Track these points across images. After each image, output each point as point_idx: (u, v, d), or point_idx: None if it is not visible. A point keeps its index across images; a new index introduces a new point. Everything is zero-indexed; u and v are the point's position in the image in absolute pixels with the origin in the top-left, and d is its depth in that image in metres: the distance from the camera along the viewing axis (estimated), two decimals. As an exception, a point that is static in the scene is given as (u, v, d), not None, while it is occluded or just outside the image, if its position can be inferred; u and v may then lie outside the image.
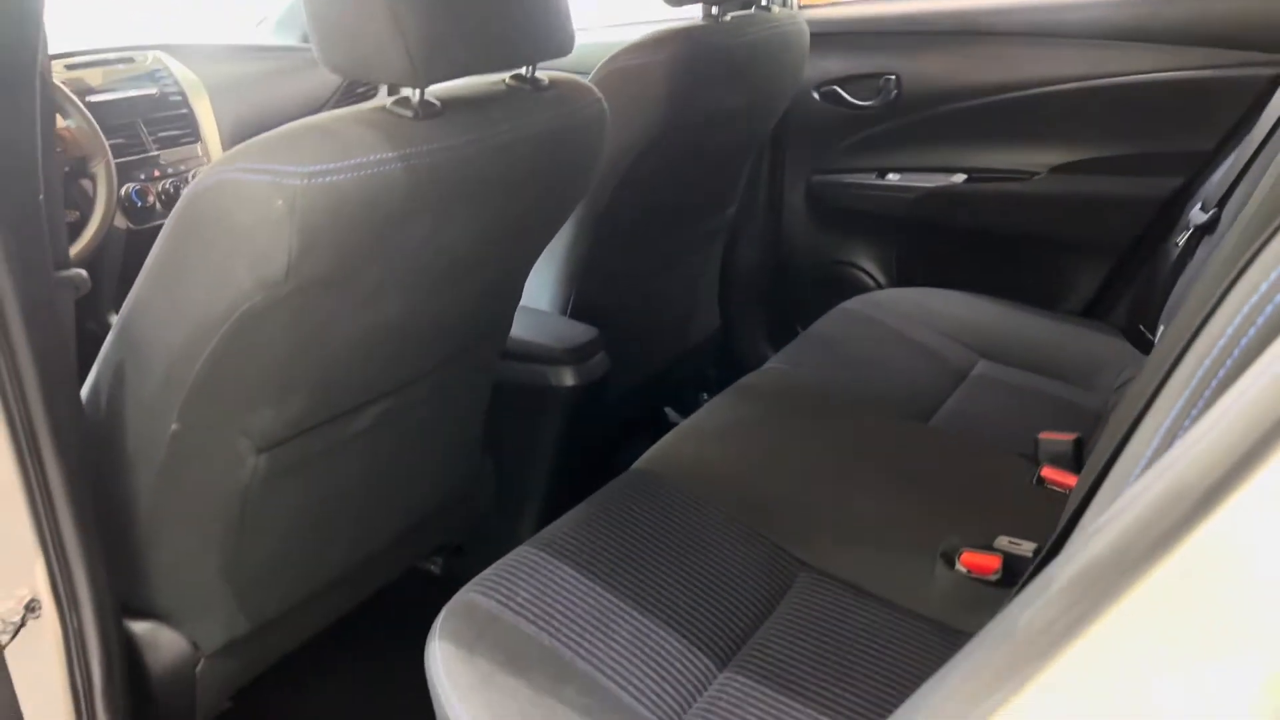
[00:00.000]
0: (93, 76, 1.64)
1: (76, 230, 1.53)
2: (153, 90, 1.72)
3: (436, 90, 0.94)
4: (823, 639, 1.02)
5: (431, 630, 0.99)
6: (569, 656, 0.96)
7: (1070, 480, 1.24)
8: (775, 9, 1.66)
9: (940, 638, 1.03)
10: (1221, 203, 1.46)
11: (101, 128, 1.57)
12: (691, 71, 1.48)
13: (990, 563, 1.10)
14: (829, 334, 1.67)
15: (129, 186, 1.63)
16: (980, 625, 1.09)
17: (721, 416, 1.41)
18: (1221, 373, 0.49)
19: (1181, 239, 1.54)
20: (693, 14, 1.59)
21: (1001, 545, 1.12)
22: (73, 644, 0.95)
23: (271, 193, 0.81)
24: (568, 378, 1.46)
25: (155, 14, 2.23)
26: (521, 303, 1.31)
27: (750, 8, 1.61)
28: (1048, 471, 1.27)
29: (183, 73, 1.77)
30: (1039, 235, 1.87)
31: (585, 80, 1.16)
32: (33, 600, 0.92)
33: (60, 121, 1.51)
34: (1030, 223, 1.86)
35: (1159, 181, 1.72)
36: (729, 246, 2.02)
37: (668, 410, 2.11)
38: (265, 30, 2.18)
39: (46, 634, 0.94)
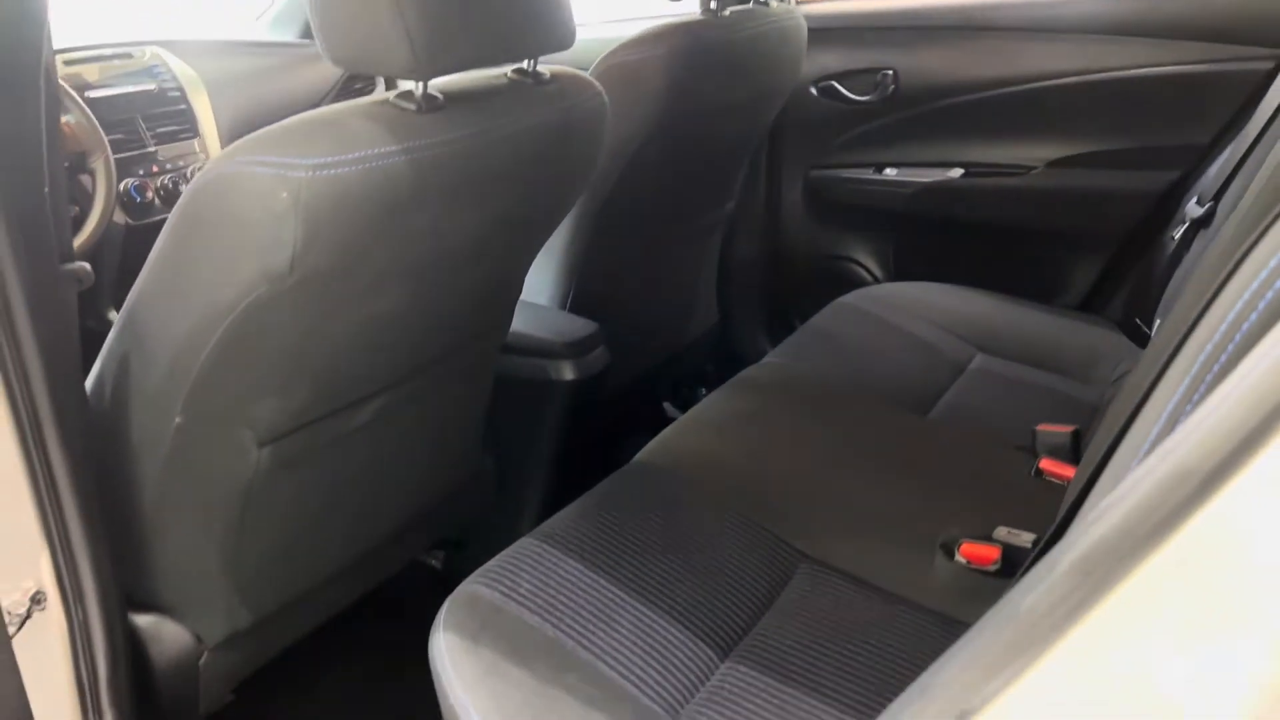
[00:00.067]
0: (91, 72, 1.65)
1: (75, 226, 1.53)
2: (151, 86, 1.73)
3: (439, 84, 0.94)
4: (823, 629, 1.03)
5: (435, 622, 0.99)
6: (572, 646, 0.96)
7: (1068, 472, 1.25)
8: (773, 4, 1.66)
9: (940, 628, 1.04)
10: (1217, 196, 1.46)
11: (100, 123, 1.57)
12: (690, 66, 1.49)
13: (989, 553, 1.10)
14: (827, 328, 1.67)
15: (128, 182, 1.63)
16: (980, 615, 1.10)
17: (721, 409, 1.42)
18: (1223, 358, 0.49)
19: (1178, 233, 1.55)
20: (691, 9, 1.60)
21: (1000, 536, 1.13)
22: (78, 637, 0.96)
23: (276, 185, 0.82)
24: (568, 372, 1.46)
25: (153, 10, 2.23)
26: (521, 297, 1.32)
27: (748, 2, 1.62)
28: (1046, 463, 1.28)
29: (181, 68, 1.77)
30: (1036, 229, 1.88)
31: (580, 71, 1.17)
32: (38, 593, 0.92)
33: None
34: (1027, 217, 1.87)
35: (1155, 176, 1.72)
36: (727, 241, 2.03)
37: (666, 405, 2.11)
38: (262, 26, 2.18)
39: (52, 626, 0.94)
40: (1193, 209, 1.53)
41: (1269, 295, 0.47)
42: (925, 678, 0.55)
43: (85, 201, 1.55)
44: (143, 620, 1.09)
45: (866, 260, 2.08)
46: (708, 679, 0.97)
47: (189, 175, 1.72)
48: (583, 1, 1.09)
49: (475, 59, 0.93)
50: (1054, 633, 0.41)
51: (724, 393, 1.46)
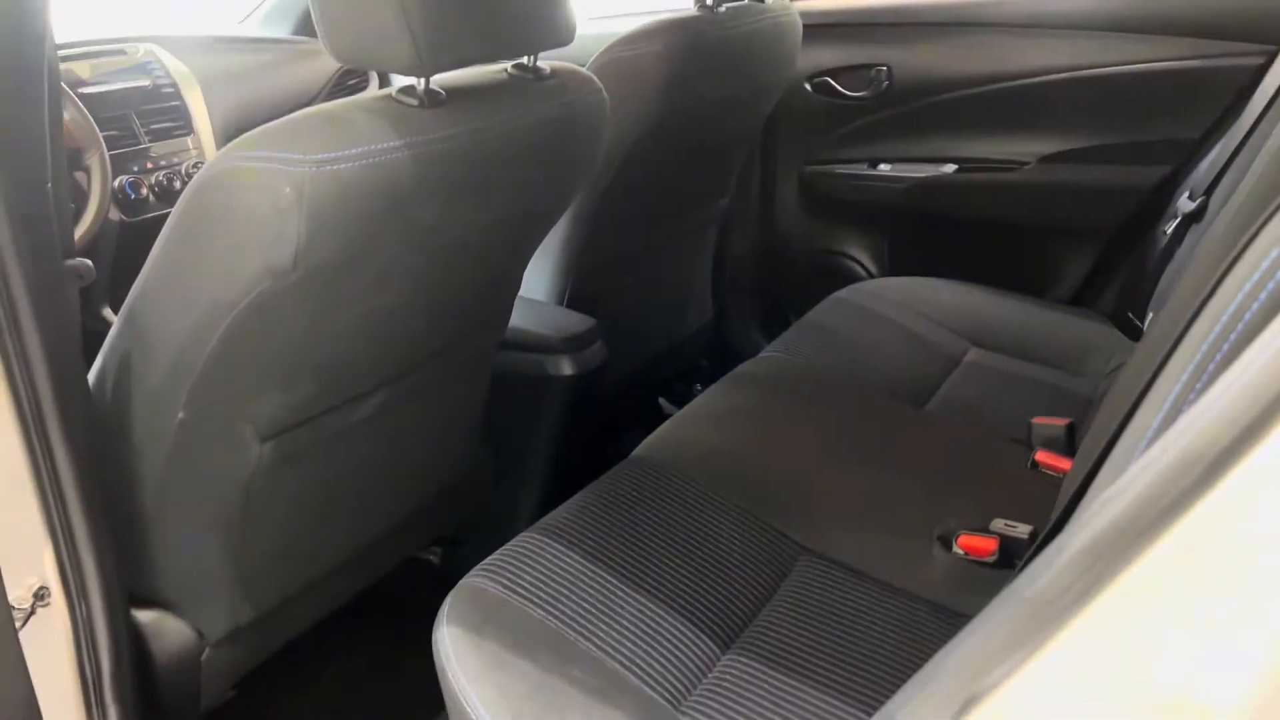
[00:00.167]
0: (85, 69, 1.64)
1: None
2: (145, 82, 1.72)
3: (440, 79, 0.94)
4: (823, 621, 1.04)
5: (439, 616, 1.00)
6: (574, 639, 0.97)
7: (1064, 464, 1.26)
8: (768, 0, 1.67)
9: (939, 619, 1.05)
10: (1209, 191, 1.48)
11: (94, 120, 1.57)
12: (686, 62, 1.49)
13: (987, 545, 1.11)
14: (823, 323, 1.68)
15: (122, 179, 1.63)
16: (978, 607, 1.10)
17: (719, 403, 1.42)
18: (1225, 348, 0.50)
19: (1169, 227, 1.56)
20: (687, 4, 1.60)
21: (997, 528, 1.14)
22: (82, 632, 0.96)
23: (280, 180, 0.82)
24: (565, 367, 1.47)
25: (145, 6, 2.22)
26: (519, 293, 1.32)
27: (743, -1, 1.62)
28: (1041, 455, 1.29)
29: (174, 65, 1.77)
30: (1029, 224, 1.89)
31: (579, 67, 1.17)
32: (42, 588, 0.93)
33: (55, 114, 1.50)
34: (1020, 212, 1.88)
35: (1147, 170, 1.74)
36: (722, 236, 2.04)
37: (661, 400, 2.12)
38: (254, 23, 2.17)
39: (55, 622, 0.94)
40: (1184, 204, 1.54)
41: (1270, 285, 0.48)
42: (932, 664, 0.56)
43: (80, 199, 1.55)
44: (144, 616, 1.09)
45: (861, 255, 2.09)
46: (709, 671, 0.98)
47: (184, 172, 1.72)
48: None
49: (477, 55, 0.94)
50: (1060, 619, 0.42)
51: (721, 387, 1.47)
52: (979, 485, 1.25)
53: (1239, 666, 0.36)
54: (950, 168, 1.91)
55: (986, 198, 1.89)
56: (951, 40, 1.86)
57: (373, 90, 2.14)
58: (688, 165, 1.69)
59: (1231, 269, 0.55)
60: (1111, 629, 0.40)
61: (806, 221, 2.10)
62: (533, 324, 1.49)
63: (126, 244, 1.62)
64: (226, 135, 1.83)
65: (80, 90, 1.59)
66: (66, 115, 1.52)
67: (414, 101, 0.91)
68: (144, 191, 1.65)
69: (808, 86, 1.98)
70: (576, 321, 1.52)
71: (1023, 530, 1.13)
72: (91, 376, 1.02)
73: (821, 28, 1.92)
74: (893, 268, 2.05)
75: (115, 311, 1.50)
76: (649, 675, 0.95)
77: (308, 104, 2.04)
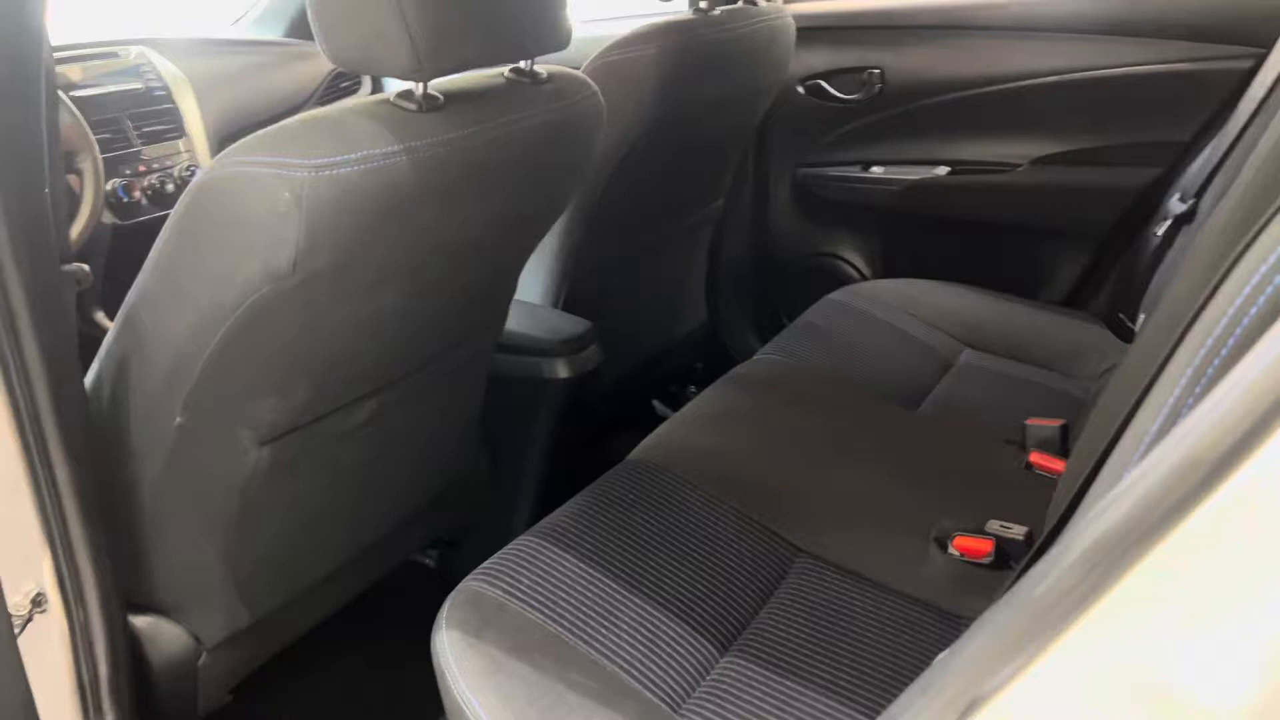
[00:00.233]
0: (76, 71, 1.64)
1: (64, 226, 1.52)
2: (137, 85, 1.72)
3: (437, 83, 0.95)
4: (821, 623, 1.04)
5: (437, 620, 1.00)
6: (573, 642, 0.97)
7: (1058, 465, 1.27)
8: (762, 3, 1.67)
9: (935, 620, 1.05)
10: (1200, 193, 1.49)
11: (86, 123, 1.56)
12: (681, 65, 1.49)
13: (983, 546, 1.12)
14: (817, 325, 1.69)
15: (115, 182, 1.62)
16: (974, 607, 1.12)
17: (715, 405, 1.43)
18: (1224, 351, 0.51)
19: (1161, 229, 1.57)
20: (681, 8, 1.60)
21: (993, 529, 1.14)
22: (79, 639, 0.95)
23: (279, 185, 0.82)
24: (561, 370, 1.47)
25: (136, 9, 2.21)
26: (514, 295, 1.32)
27: (738, 1, 1.63)
28: (1035, 457, 1.29)
29: (166, 67, 1.77)
30: (1021, 226, 1.90)
31: (575, 71, 1.18)
32: (39, 595, 0.92)
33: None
34: (1012, 214, 1.89)
35: (1138, 172, 1.75)
36: (715, 239, 2.04)
37: (655, 403, 2.12)
38: (245, 25, 2.17)
39: (53, 629, 0.94)
40: (1175, 205, 1.55)
41: (1269, 290, 0.49)
42: (935, 667, 0.57)
43: (72, 202, 1.54)
44: (141, 621, 1.09)
45: (854, 257, 2.09)
46: (708, 673, 0.98)
47: (176, 175, 1.71)
48: (575, 1, 1.10)
49: (475, 59, 0.94)
50: (1064, 620, 0.42)
51: (717, 389, 1.47)
52: (974, 486, 1.26)
53: (1241, 669, 0.37)
54: (943, 170, 1.92)
55: (979, 200, 1.90)
56: (943, 43, 1.87)
57: (365, 93, 2.14)
58: (682, 168, 1.70)
59: (1229, 273, 0.55)
60: (1114, 632, 0.41)
61: (800, 224, 2.11)
62: (528, 327, 1.49)
63: (119, 247, 1.61)
64: (219, 138, 1.82)
65: (72, 93, 1.59)
66: (62, 119, 1.51)
67: (412, 106, 0.91)
68: (136, 195, 1.65)
69: (800, 89, 1.99)
70: (572, 324, 1.52)
71: (1018, 531, 1.13)
72: (88, 381, 1.02)
73: (814, 30, 1.93)
74: (885, 270, 2.06)
75: (108, 315, 1.49)
76: (648, 678, 0.95)
77: (300, 106, 2.04)
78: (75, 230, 1.53)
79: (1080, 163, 1.80)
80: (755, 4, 1.65)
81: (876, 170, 1.98)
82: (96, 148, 1.56)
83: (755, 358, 1.58)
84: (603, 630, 0.99)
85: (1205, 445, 0.39)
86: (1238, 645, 0.37)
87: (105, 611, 0.97)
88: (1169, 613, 0.39)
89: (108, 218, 1.61)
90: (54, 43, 1.64)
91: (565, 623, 0.99)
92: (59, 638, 0.95)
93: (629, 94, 1.46)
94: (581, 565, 1.07)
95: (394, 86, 0.93)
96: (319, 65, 2.06)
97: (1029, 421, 1.36)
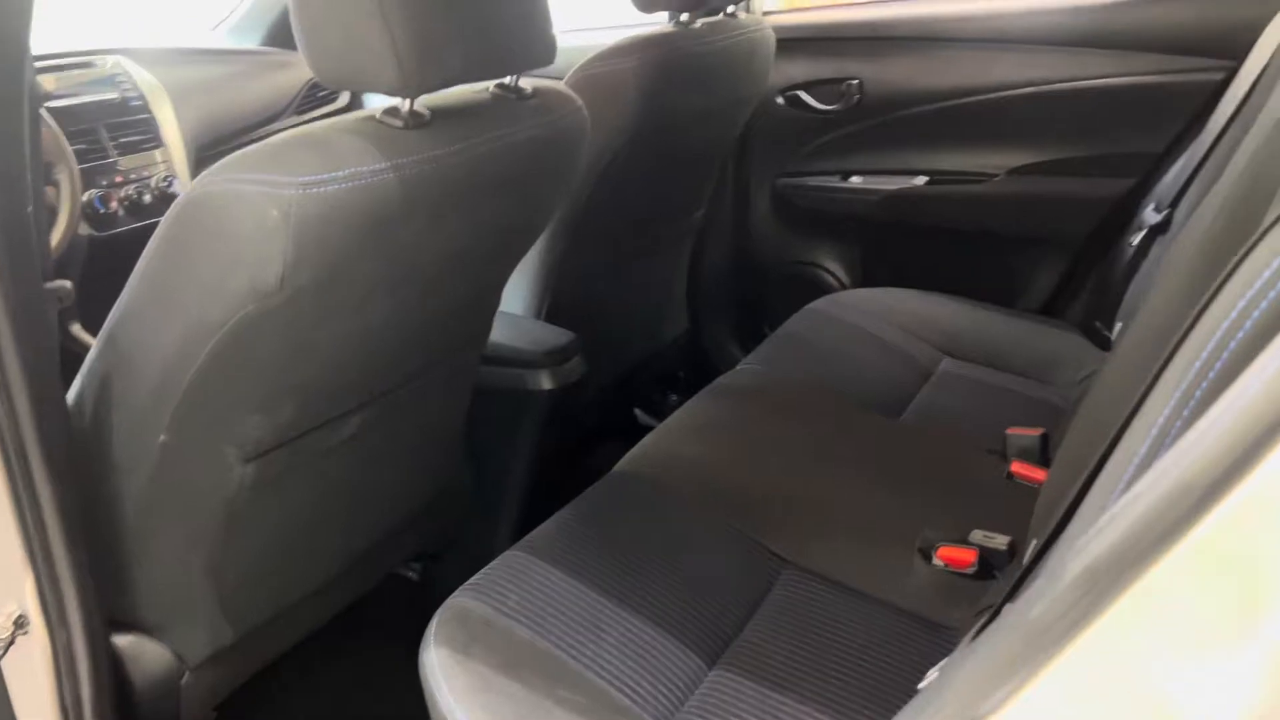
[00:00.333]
0: (51, 81, 1.62)
1: (40, 239, 1.50)
2: (113, 95, 1.70)
3: (423, 99, 0.95)
4: (808, 634, 1.05)
5: (425, 637, 0.99)
6: (562, 658, 0.97)
7: (1039, 475, 1.28)
8: (742, 15, 1.68)
9: (921, 630, 1.06)
10: (1174, 203, 1.51)
11: (62, 134, 1.55)
12: (661, 78, 1.50)
13: (966, 556, 1.13)
14: (799, 334, 1.70)
15: (91, 193, 1.60)
16: (959, 618, 1.13)
17: (699, 417, 1.43)
18: (1211, 374, 0.51)
19: (1135, 238, 1.59)
20: (661, 20, 1.61)
21: (976, 539, 1.15)
22: (61, 660, 0.94)
23: (266, 203, 0.82)
24: (545, 381, 1.47)
25: (112, 17, 2.19)
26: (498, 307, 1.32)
27: (718, 14, 1.64)
28: (1017, 466, 1.31)
29: (143, 77, 1.75)
30: (998, 235, 1.92)
31: (560, 85, 1.18)
32: (21, 617, 0.91)
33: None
34: (989, 223, 1.91)
35: (1112, 183, 1.77)
36: (697, 249, 2.05)
37: (638, 412, 2.12)
38: (221, 34, 2.15)
39: (35, 651, 0.93)
40: (1150, 215, 1.57)
41: (1255, 314, 0.50)
42: (934, 685, 0.57)
43: (49, 215, 1.52)
44: (123, 641, 1.07)
45: (834, 266, 2.10)
46: (696, 687, 0.98)
47: (153, 185, 1.70)
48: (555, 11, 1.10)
49: (461, 75, 0.94)
50: (1060, 641, 0.43)
51: (701, 400, 1.48)
52: (957, 496, 1.27)
53: (1235, 689, 0.37)
54: (921, 180, 1.93)
55: (957, 209, 1.92)
56: (922, 55, 1.89)
57: (343, 103, 2.13)
58: (663, 178, 1.70)
59: (1217, 294, 0.56)
60: (1109, 653, 0.41)
61: (780, 233, 2.12)
62: (512, 338, 1.49)
63: (96, 259, 1.60)
64: (197, 148, 1.81)
65: (47, 103, 1.57)
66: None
67: (398, 123, 0.91)
68: (113, 206, 1.63)
69: (780, 100, 2.00)
70: (556, 335, 1.52)
71: (1001, 541, 1.14)
72: (70, 398, 1.01)
73: (794, 41, 1.94)
74: (865, 278, 2.07)
75: (85, 328, 1.48)
76: (637, 693, 0.95)
77: (279, 115, 2.03)
78: (52, 242, 1.51)
79: (1056, 173, 1.82)
80: (735, 16, 1.66)
81: (856, 180, 1.99)
82: (73, 159, 1.54)
83: (738, 368, 1.59)
84: (591, 645, 0.99)
85: (1196, 471, 0.40)
86: (1231, 666, 0.38)
87: (88, 632, 0.96)
88: (1163, 635, 0.40)
89: (84, 229, 1.59)
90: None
91: (553, 638, 0.99)
92: (41, 659, 0.94)
93: (610, 106, 1.47)
94: (569, 580, 1.07)
95: (375, 99, 0.93)
96: (297, 74, 2.05)
97: (1009, 431, 1.37)
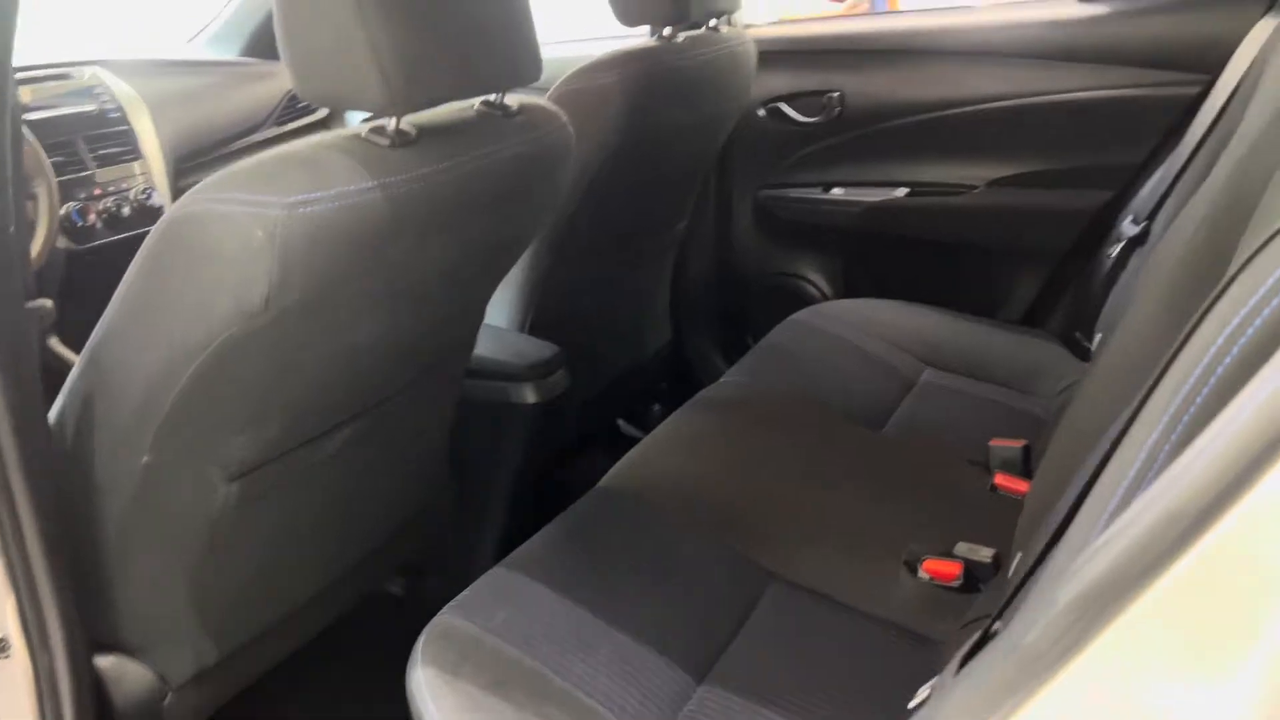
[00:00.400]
0: (27, 93, 1.60)
1: (17, 253, 1.49)
2: (91, 107, 1.68)
3: (409, 117, 0.94)
4: (795, 648, 1.05)
5: (412, 656, 0.99)
6: (550, 676, 0.97)
7: (1021, 486, 1.29)
8: (724, 29, 1.69)
9: (908, 643, 1.07)
10: (1151, 215, 1.53)
11: (40, 147, 1.53)
12: (644, 92, 1.50)
13: (952, 569, 1.14)
14: (782, 345, 1.70)
15: (69, 206, 1.59)
16: (945, 631, 1.13)
17: (684, 430, 1.43)
18: (1199, 400, 0.52)
19: (1114, 250, 1.61)
20: (643, 33, 1.62)
21: (961, 552, 1.16)
22: (43, 683, 0.93)
23: (252, 224, 0.81)
24: (529, 395, 1.47)
25: (87, 29, 2.17)
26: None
27: (700, 28, 1.64)
28: (1000, 479, 1.32)
29: (121, 88, 1.73)
30: (978, 246, 1.94)
31: (543, 99, 1.18)
32: (2, 640, 0.90)
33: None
34: (970, 234, 1.92)
35: (1091, 194, 1.79)
36: (679, 260, 2.05)
37: (620, 422, 2.12)
38: (199, 45, 2.14)
39: (17, 674, 0.92)
40: (1128, 227, 1.59)
41: (1242, 341, 0.50)
42: (925, 713, 0.58)
43: (28, 228, 1.51)
44: (105, 662, 1.06)
45: (816, 277, 2.11)
46: (685, 703, 0.98)
47: (132, 198, 1.68)
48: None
49: (448, 93, 0.94)
50: (1053, 667, 0.43)
51: (685, 413, 1.48)
52: (941, 508, 1.28)
53: (1228, 714, 0.38)
54: (902, 191, 1.94)
55: (937, 220, 1.93)
56: (902, 67, 1.90)
57: (323, 114, 2.12)
58: (646, 192, 1.71)
59: (1205, 317, 0.57)
60: (1102, 678, 0.42)
61: (762, 244, 2.13)
62: (496, 352, 1.49)
63: (74, 272, 1.58)
64: (176, 159, 1.80)
65: (25, 116, 1.55)
66: (12, 144, 1.48)
67: (384, 141, 0.91)
68: (91, 219, 1.62)
69: (761, 112, 2.01)
70: (540, 349, 1.52)
71: (985, 554, 1.15)
72: (51, 417, 1.00)
73: (775, 54, 1.95)
74: (846, 289, 2.08)
75: (63, 341, 1.46)
76: (626, 710, 0.95)
77: (258, 127, 2.02)
78: (30, 256, 1.50)
79: (1035, 185, 1.84)
80: (717, 30, 1.67)
81: (837, 192, 2.00)
82: (51, 172, 1.53)
83: (722, 380, 1.59)
84: (579, 663, 0.99)
85: (1186, 498, 0.41)
86: (1222, 692, 0.38)
87: (70, 654, 0.95)
88: (1156, 661, 0.40)
89: (62, 243, 1.57)
90: (5, 65, 1.61)
91: (541, 656, 0.99)
92: (23, 682, 0.93)
93: (594, 120, 1.47)
94: (556, 597, 1.06)
95: (362, 120, 0.92)
96: (276, 85, 2.04)
97: (992, 442, 1.38)
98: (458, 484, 1.51)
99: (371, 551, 1.33)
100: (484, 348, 1.42)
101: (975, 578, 1.13)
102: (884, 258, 2.05)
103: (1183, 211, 1.23)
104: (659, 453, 1.37)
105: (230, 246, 0.82)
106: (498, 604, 1.04)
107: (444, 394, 1.31)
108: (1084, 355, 1.64)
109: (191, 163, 1.84)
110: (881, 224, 1.97)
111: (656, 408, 2.15)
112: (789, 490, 1.31)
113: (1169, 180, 1.49)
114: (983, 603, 1.07)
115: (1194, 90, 1.63)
